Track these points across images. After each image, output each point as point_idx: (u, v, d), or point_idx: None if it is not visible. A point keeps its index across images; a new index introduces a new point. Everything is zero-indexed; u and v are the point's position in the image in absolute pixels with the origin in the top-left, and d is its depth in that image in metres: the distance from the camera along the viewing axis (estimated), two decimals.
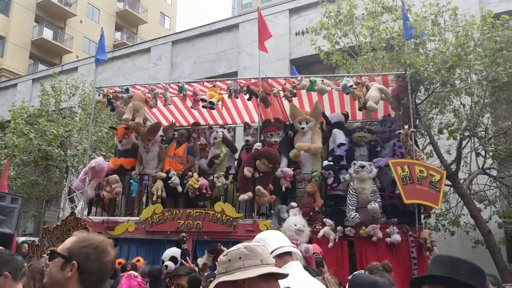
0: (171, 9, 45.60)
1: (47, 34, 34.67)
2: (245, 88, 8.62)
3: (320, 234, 7.14)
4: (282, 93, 8.64)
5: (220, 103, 8.90)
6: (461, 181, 9.66)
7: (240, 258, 1.86)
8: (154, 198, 8.34)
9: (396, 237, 6.93)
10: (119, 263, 5.96)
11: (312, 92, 8.59)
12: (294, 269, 2.52)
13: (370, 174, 7.25)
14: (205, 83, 9.46)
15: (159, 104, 9.44)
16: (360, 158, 7.95)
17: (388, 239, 6.97)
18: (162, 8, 44.00)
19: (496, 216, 10.27)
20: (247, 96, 8.74)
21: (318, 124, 8.65)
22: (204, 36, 19.27)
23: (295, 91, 8.42)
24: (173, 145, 9.12)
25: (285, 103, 9.26)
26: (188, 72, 18.87)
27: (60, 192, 16.92)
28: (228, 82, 8.90)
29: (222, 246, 6.29)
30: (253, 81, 8.75)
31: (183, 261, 6.20)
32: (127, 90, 9.22)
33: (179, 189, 8.35)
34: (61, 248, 1.87)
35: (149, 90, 9.16)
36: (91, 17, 37.81)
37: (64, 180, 15.82)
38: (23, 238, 14.88)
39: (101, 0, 38.21)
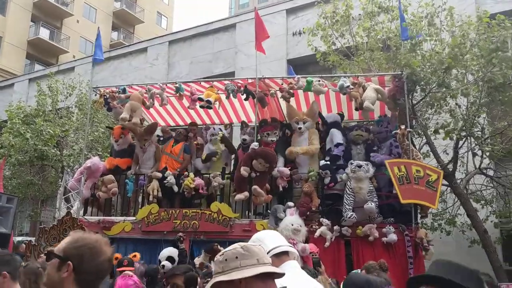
0: (168, 9, 45.56)
1: (44, 33, 34.61)
2: (242, 88, 8.62)
3: (317, 233, 7.15)
4: (279, 94, 8.66)
5: (217, 103, 8.91)
6: (458, 181, 9.68)
7: (236, 257, 1.86)
8: (150, 198, 8.33)
9: (393, 237, 6.95)
10: (116, 258, 5.95)
11: (309, 92, 8.61)
12: (291, 268, 2.52)
13: (367, 174, 7.27)
14: (202, 83, 9.46)
15: (156, 104, 9.43)
16: (357, 157, 7.97)
17: (384, 239, 6.99)
18: (159, 8, 43.96)
19: (493, 216, 10.29)
20: (244, 96, 8.74)
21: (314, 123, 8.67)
22: (201, 36, 19.25)
23: (292, 91, 8.43)
24: (170, 143, 9.12)
25: (282, 103, 9.28)
26: (185, 72, 18.85)
27: (55, 192, 16.88)
28: (226, 82, 8.90)
29: (219, 246, 6.29)
30: (250, 81, 8.75)
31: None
32: (124, 91, 9.21)
33: (175, 189, 8.34)
34: (57, 248, 1.89)
35: (146, 90, 9.15)
36: (87, 16, 37.74)
37: (60, 180, 15.76)
38: (20, 238, 14.84)
39: (98, 0, 38.14)
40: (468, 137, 9.47)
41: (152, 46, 20.49)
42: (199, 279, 4.34)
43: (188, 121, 10.46)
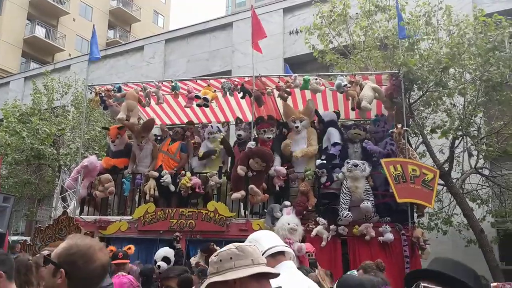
0: (164, 7, 45.48)
1: (40, 32, 34.48)
2: (239, 86, 8.61)
3: (313, 233, 7.15)
4: (276, 92, 8.65)
5: (213, 101, 8.90)
6: (454, 180, 9.69)
7: (231, 258, 1.86)
8: (147, 197, 8.31)
9: (389, 236, 6.96)
10: (110, 251, 5.92)
11: (306, 91, 8.60)
12: (287, 268, 2.52)
13: (363, 173, 7.26)
14: (199, 81, 9.43)
15: (152, 102, 9.40)
16: (353, 155, 7.98)
17: (381, 238, 6.99)
18: (156, 6, 43.87)
19: (489, 216, 10.32)
20: (241, 95, 8.73)
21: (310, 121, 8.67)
22: (198, 35, 19.22)
23: (289, 90, 8.42)
24: (167, 141, 9.10)
25: (279, 102, 9.27)
26: (182, 70, 18.82)
27: (52, 191, 16.83)
28: (222, 80, 8.89)
29: (215, 245, 6.29)
30: (247, 79, 8.74)
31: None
32: (119, 89, 9.18)
33: (172, 188, 8.33)
34: (53, 253, 1.91)
35: (141, 89, 9.13)
36: (84, 15, 37.63)
37: (57, 179, 15.73)
38: (15, 238, 14.81)
39: None
40: (464, 137, 9.48)
41: (148, 45, 20.44)
42: (194, 277, 4.33)
43: (185, 120, 10.45)
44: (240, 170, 7.65)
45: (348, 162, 7.41)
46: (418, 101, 9.27)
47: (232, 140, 9.55)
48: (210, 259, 1.93)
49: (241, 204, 8.25)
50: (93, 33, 9.95)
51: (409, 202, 7.24)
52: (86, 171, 8.85)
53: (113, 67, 20.88)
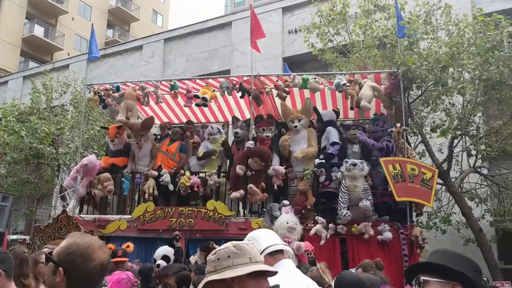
0: (163, 6, 45.44)
1: (38, 31, 34.43)
2: (237, 85, 8.62)
3: (312, 232, 7.16)
4: (274, 92, 8.65)
5: (212, 101, 8.90)
6: (453, 179, 9.71)
7: (229, 256, 1.86)
8: (146, 196, 8.32)
9: (388, 235, 6.97)
10: (109, 249, 5.92)
11: (305, 90, 8.60)
12: (286, 267, 2.53)
13: (361, 172, 7.27)
14: (197, 81, 9.43)
15: (151, 102, 9.40)
16: (352, 156, 7.98)
17: (379, 237, 7.00)
18: (155, 6, 43.83)
19: (488, 215, 10.34)
20: (239, 94, 8.74)
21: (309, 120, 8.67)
22: (196, 34, 19.22)
23: (288, 89, 8.43)
24: (166, 141, 9.10)
25: (277, 102, 9.27)
26: (180, 69, 18.82)
27: (51, 190, 16.84)
28: (221, 79, 8.89)
29: (214, 244, 6.29)
30: (245, 78, 8.74)
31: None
32: (117, 88, 9.17)
33: (171, 187, 8.34)
34: (54, 252, 1.92)
35: (139, 87, 9.12)
36: (83, 14, 37.58)
37: (56, 178, 15.74)
38: (14, 237, 14.81)
39: None
40: (463, 136, 9.49)
41: (147, 44, 20.44)
42: (192, 275, 4.34)
43: (184, 119, 10.45)
44: (239, 169, 7.65)
45: (346, 161, 7.42)
46: (417, 100, 9.28)
47: (231, 140, 9.55)
48: (207, 258, 1.94)
49: (240, 203, 8.26)
50: (92, 33, 9.95)
51: (408, 201, 7.25)
52: (85, 170, 8.86)
53: (112, 67, 20.87)
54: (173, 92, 9.00)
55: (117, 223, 8.21)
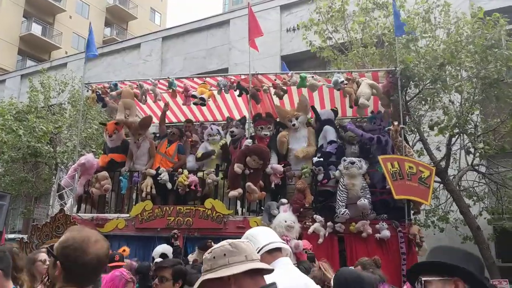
0: (161, 5, 45.39)
1: (36, 29, 34.38)
2: (235, 84, 8.61)
3: (310, 230, 7.16)
4: (272, 90, 8.64)
5: (210, 99, 8.89)
6: (451, 177, 9.72)
7: (224, 255, 1.86)
8: (144, 194, 8.30)
9: (386, 233, 6.97)
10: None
11: (303, 89, 8.59)
12: (283, 265, 2.53)
13: (360, 170, 7.27)
14: (195, 79, 9.42)
15: (149, 100, 9.38)
16: (351, 156, 7.97)
17: (377, 235, 7.00)
18: (153, 4, 43.78)
19: (485, 213, 10.35)
20: (237, 92, 8.73)
21: (307, 117, 8.67)
22: (194, 32, 19.21)
23: (285, 87, 8.42)
24: (165, 142, 9.06)
25: (276, 99, 9.27)
26: (178, 68, 18.81)
27: (49, 189, 16.81)
28: (218, 78, 8.88)
29: (212, 243, 6.28)
30: (243, 77, 8.73)
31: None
32: (115, 86, 9.16)
33: (169, 186, 8.32)
34: (54, 246, 1.97)
35: (137, 86, 9.11)
36: (80, 12, 37.52)
37: (53, 177, 15.71)
38: (12, 236, 14.80)
39: None
40: (461, 134, 9.50)
41: (145, 42, 20.42)
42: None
43: (182, 118, 10.44)
44: (237, 167, 7.65)
45: (344, 160, 7.42)
46: (415, 98, 9.29)
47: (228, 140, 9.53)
48: (204, 256, 1.94)
49: (238, 201, 8.25)
50: (90, 31, 9.92)
51: (406, 199, 7.26)
52: (83, 169, 8.83)
53: (110, 65, 20.85)
54: (171, 90, 8.98)
55: (115, 221, 8.19)
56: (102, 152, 10.09)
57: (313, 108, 8.75)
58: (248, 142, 7.99)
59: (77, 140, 11.60)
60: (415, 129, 9.63)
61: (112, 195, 9.02)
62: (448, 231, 10.32)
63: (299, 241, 6.50)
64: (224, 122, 10.20)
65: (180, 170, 8.41)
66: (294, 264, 3.27)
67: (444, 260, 1.86)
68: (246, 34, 9.43)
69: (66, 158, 15.00)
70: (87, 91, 9.86)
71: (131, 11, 40.96)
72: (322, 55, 10.99)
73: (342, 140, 8.44)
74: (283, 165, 7.93)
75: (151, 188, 8.35)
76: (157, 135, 9.78)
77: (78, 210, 8.82)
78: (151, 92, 9.00)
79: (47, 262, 3.78)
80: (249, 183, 7.61)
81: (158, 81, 9.26)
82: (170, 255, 6.68)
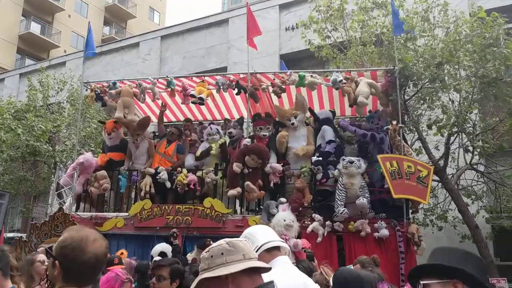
0: (160, 3, 45.33)
1: (35, 28, 34.33)
2: (234, 83, 8.61)
3: (309, 229, 7.17)
4: (271, 89, 8.65)
5: (209, 98, 8.89)
6: (449, 176, 9.73)
7: (222, 254, 1.87)
8: (143, 193, 8.30)
9: (384, 232, 6.98)
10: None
11: (301, 88, 8.60)
12: (282, 263, 2.53)
13: (358, 170, 7.28)
14: (194, 78, 9.42)
15: (148, 99, 9.38)
16: (350, 155, 7.98)
17: (376, 234, 7.01)
18: (152, 3, 43.73)
19: (484, 211, 10.37)
20: (235, 91, 8.73)
21: (306, 116, 8.67)
22: (193, 31, 19.19)
23: (284, 86, 8.42)
24: (164, 142, 9.06)
25: (275, 98, 9.27)
26: (177, 67, 18.79)
27: (48, 188, 16.78)
28: (217, 77, 8.88)
29: (211, 242, 6.27)
30: (242, 76, 8.73)
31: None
32: (114, 84, 9.15)
33: (168, 184, 8.32)
34: (53, 247, 1.99)
35: (137, 85, 9.11)
36: (79, 11, 37.47)
37: (52, 176, 15.69)
38: (11, 234, 14.78)
39: None
40: (460, 133, 9.52)
41: (144, 41, 20.40)
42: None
43: (180, 117, 10.44)
44: (236, 167, 7.65)
45: (343, 159, 7.42)
46: (414, 97, 9.30)
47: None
48: (201, 255, 1.94)
49: (237, 201, 8.26)
50: (89, 30, 9.90)
51: (405, 198, 7.27)
52: (81, 168, 8.83)
53: (108, 64, 20.83)
54: (169, 89, 8.98)
55: (113, 220, 8.19)
56: (101, 151, 10.09)
57: (310, 109, 8.76)
58: (247, 141, 8.00)
59: (76, 139, 11.59)
60: (414, 128, 9.64)
61: (111, 194, 9.02)
62: (447, 230, 10.34)
63: (298, 240, 6.50)
64: (223, 121, 10.21)
65: (179, 169, 8.41)
66: (293, 263, 3.28)
67: (446, 261, 1.86)
68: (245, 33, 9.43)
69: (65, 157, 14.98)
70: (86, 90, 9.85)
71: (130, 10, 40.92)
72: (321, 54, 10.99)
73: (341, 139, 8.45)
74: (282, 164, 7.93)
75: (150, 187, 8.36)
76: (157, 134, 9.79)
77: (77, 209, 8.83)
78: (149, 90, 9.00)
79: (46, 263, 3.79)
80: (248, 182, 7.61)
81: (157, 80, 9.26)
82: (169, 254, 6.68)
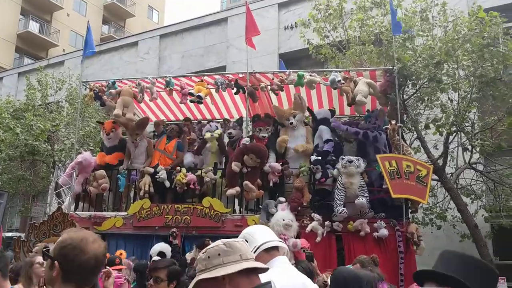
0: (159, 2, 45.29)
1: (33, 27, 34.29)
2: (232, 82, 8.60)
3: (308, 229, 7.16)
4: (269, 88, 8.63)
5: (208, 97, 8.88)
6: (448, 175, 9.73)
7: (219, 254, 1.86)
8: (142, 193, 8.29)
9: (384, 232, 6.98)
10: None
11: (300, 87, 8.59)
12: (281, 264, 2.53)
13: (358, 169, 7.27)
14: (193, 78, 9.42)
15: (147, 99, 9.38)
16: (348, 153, 7.98)
17: (375, 234, 7.01)
18: (150, 2, 43.69)
19: (483, 210, 10.37)
20: (234, 90, 8.72)
21: (305, 115, 8.67)
22: (192, 30, 19.17)
23: (282, 85, 8.42)
24: (164, 139, 9.06)
25: (274, 98, 9.27)
26: (176, 66, 18.77)
27: (47, 187, 16.76)
28: (216, 76, 8.87)
29: (210, 241, 6.28)
30: (241, 75, 8.73)
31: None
32: (113, 84, 9.14)
33: (167, 184, 8.32)
34: (51, 248, 1.98)
35: (136, 85, 9.10)
36: (78, 10, 37.45)
37: (51, 175, 15.68)
38: (9, 234, 14.77)
39: None
40: (459, 132, 9.52)
41: (143, 40, 20.37)
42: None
43: (180, 116, 10.43)
44: (235, 166, 7.64)
45: (342, 158, 7.41)
46: (412, 97, 9.29)
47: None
48: (198, 256, 1.94)
49: (236, 200, 8.25)
50: (88, 30, 9.88)
51: (404, 198, 7.26)
52: (80, 167, 8.82)
53: (107, 63, 20.80)
54: (168, 89, 8.97)
55: (112, 220, 8.18)
56: (100, 150, 10.08)
57: (308, 109, 8.75)
58: (245, 140, 7.99)
59: (75, 138, 11.59)
60: (413, 128, 9.63)
61: (110, 193, 9.00)
62: (446, 229, 10.34)
63: (297, 239, 6.50)
64: (221, 120, 10.21)
65: (178, 168, 8.41)
66: (292, 264, 3.27)
67: (458, 268, 1.85)
68: (243, 32, 9.42)
69: (63, 156, 14.96)
70: (85, 89, 9.84)
71: (128, 8, 40.88)
72: (319, 54, 10.98)
73: (339, 137, 8.44)
74: (281, 163, 7.92)
75: (149, 186, 8.35)
76: (156, 133, 9.79)
77: (76, 208, 8.82)
78: (148, 90, 8.99)
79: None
80: (246, 182, 7.60)
81: (156, 79, 9.25)
82: (168, 254, 6.68)
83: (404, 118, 8.87)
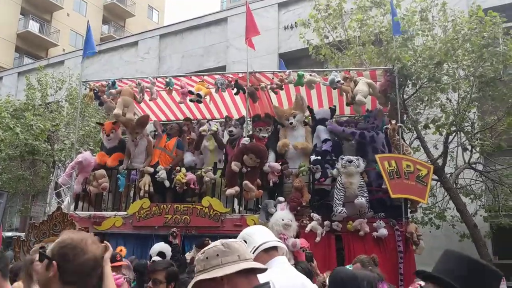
0: (159, 2, 45.27)
1: (33, 27, 34.29)
2: (232, 82, 8.61)
3: (308, 228, 7.16)
4: (269, 87, 8.64)
5: (208, 97, 8.88)
6: (448, 175, 9.73)
7: (217, 255, 1.86)
8: (142, 193, 8.30)
9: (383, 231, 6.98)
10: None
11: (300, 87, 8.59)
12: (280, 264, 2.52)
13: (357, 169, 7.27)
14: (193, 78, 9.42)
15: (147, 99, 9.38)
16: (348, 152, 7.98)
17: (375, 233, 7.01)
18: (150, 1, 43.67)
19: (482, 210, 10.38)
20: (234, 91, 8.72)
21: (305, 115, 8.68)
22: (192, 30, 19.17)
23: (282, 84, 8.42)
24: (164, 137, 9.07)
25: (274, 98, 9.27)
26: (176, 66, 18.77)
27: (46, 187, 16.76)
28: (216, 76, 8.87)
29: (210, 241, 6.28)
30: (241, 75, 8.73)
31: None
32: (113, 84, 9.15)
33: (167, 183, 8.32)
34: (48, 249, 1.95)
35: (136, 84, 9.10)
36: (78, 10, 37.44)
37: (51, 175, 15.68)
38: (9, 233, 14.77)
39: None
40: (458, 132, 9.52)
41: (143, 40, 20.37)
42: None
43: (179, 116, 10.43)
44: (234, 166, 7.65)
45: (342, 158, 7.41)
46: (412, 97, 9.29)
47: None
48: (196, 257, 1.94)
49: (236, 200, 8.26)
50: (88, 29, 9.88)
51: (403, 197, 7.26)
52: (80, 167, 8.82)
53: (107, 63, 20.80)
54: (168, 88, 8.97)
55: (112, 219, 8.18)
56: (100, 150, 10.08)
57: (309, 108, 8.76)
58: (245, 140, 8.00)
59: (75, 137, 11.58)
60: (413, 128, 9.64)
61: (110, 193, 8.99)
62: (445, 229, 10.34)
63: (297, 239, 6.50)
64: (222, 119, 10.21)
65: (177, 168, 8.41)
66: (292, 264, 3.28)
67: (463, 269, 1.85)
68: (243, 32, 9.42)
69: (63, 156, 14.96)
70: (85, 89, 9.84)
71: (128, 8, 40.87)
72: (319, 54, 10.98)
73: (338, 136, 8.43)
74: (280, 163, 7.93)
75: (149, 186, 8.35)
76: (156, 133, 9.78)
77: (76, 208, 8.82)
78: (148, 89, 9.00)
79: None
80: (246, 181, 7.60)
81: (156, 79, 9.25)
82: (168, 254, 6.68)
83: (404, 118, 8.88)
